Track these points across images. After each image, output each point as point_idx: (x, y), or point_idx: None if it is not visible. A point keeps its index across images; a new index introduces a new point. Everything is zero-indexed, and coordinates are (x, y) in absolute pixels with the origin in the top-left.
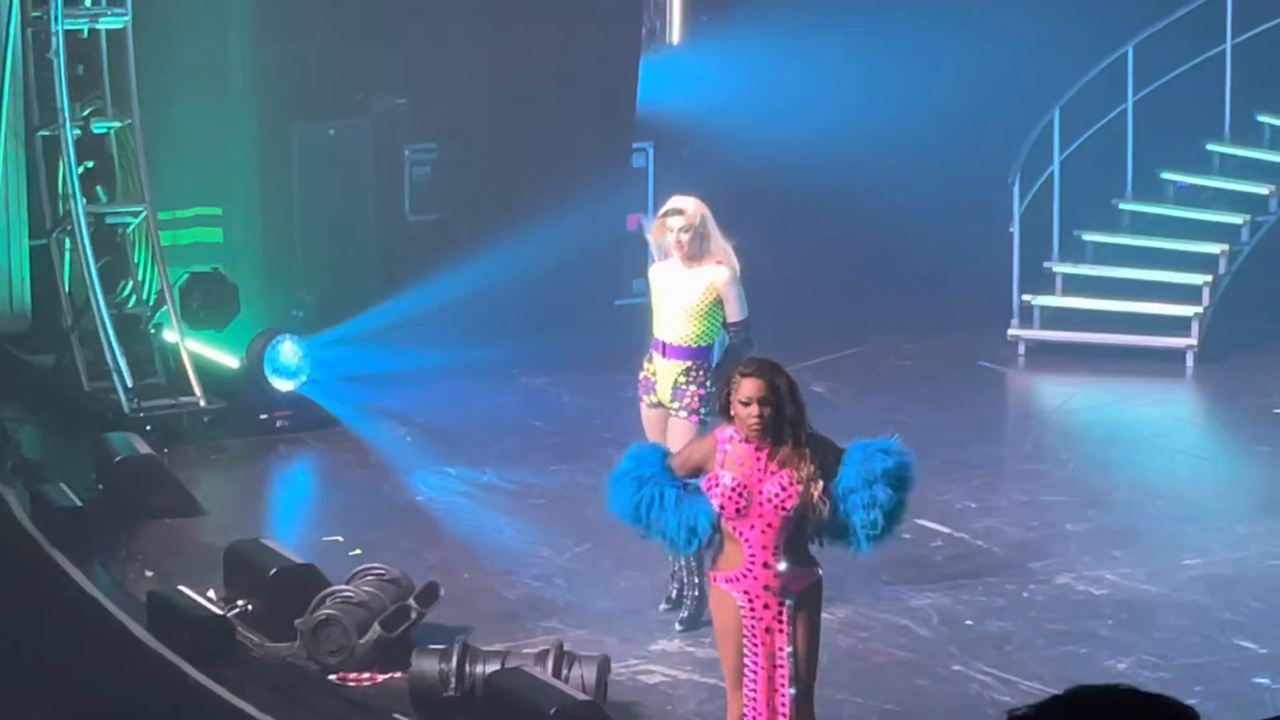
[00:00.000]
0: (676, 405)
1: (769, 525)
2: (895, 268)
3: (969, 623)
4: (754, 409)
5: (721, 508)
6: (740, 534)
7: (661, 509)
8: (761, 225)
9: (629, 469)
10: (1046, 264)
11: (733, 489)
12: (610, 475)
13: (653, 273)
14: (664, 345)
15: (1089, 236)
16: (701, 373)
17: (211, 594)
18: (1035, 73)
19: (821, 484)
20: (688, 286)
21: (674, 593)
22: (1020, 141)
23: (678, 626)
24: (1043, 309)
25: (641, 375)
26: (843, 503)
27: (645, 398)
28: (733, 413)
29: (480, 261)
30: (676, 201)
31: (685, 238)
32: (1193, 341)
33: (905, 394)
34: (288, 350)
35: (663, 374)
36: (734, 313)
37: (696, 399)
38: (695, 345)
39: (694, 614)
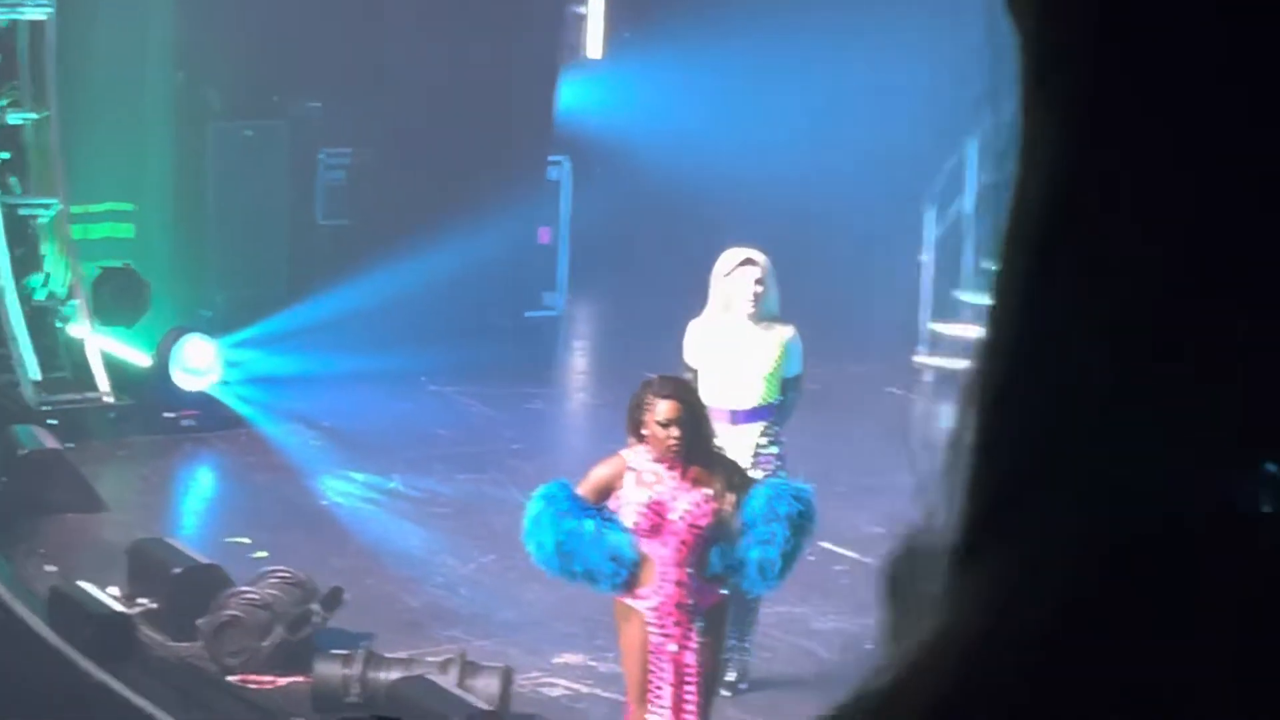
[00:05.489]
0: (762, 473)
1: (682, 543)
2: (804, 292)
3: (871, 647)
4: (673, 430)
5: (635, 525)
6: (653, 552)
7: (581, 541)
8: (671, 242)
9: (542, 509)
10: (955, 292)
11: (647, 506)
12: (527, 521)
13: (704, 333)
14: (732, 413)
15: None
16: (777, 429)
17: (114, 590)
18: (952, 98)
19: (733, 497)
20: (758, 347)
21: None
22: (935, 169)
23: (727, 694)
24: (951, 337)
25: None
26: (742, 535)
27: None
28: (646, 433)
29: (391, 268)
30: (745, 252)
31: (759, 290)
32: None
33: (812, 419)
34: (197, 349)
35: (735, 442)
36: (796, 367)
37: (781, 460)
38: (768, 404)
39: (742, 672)
